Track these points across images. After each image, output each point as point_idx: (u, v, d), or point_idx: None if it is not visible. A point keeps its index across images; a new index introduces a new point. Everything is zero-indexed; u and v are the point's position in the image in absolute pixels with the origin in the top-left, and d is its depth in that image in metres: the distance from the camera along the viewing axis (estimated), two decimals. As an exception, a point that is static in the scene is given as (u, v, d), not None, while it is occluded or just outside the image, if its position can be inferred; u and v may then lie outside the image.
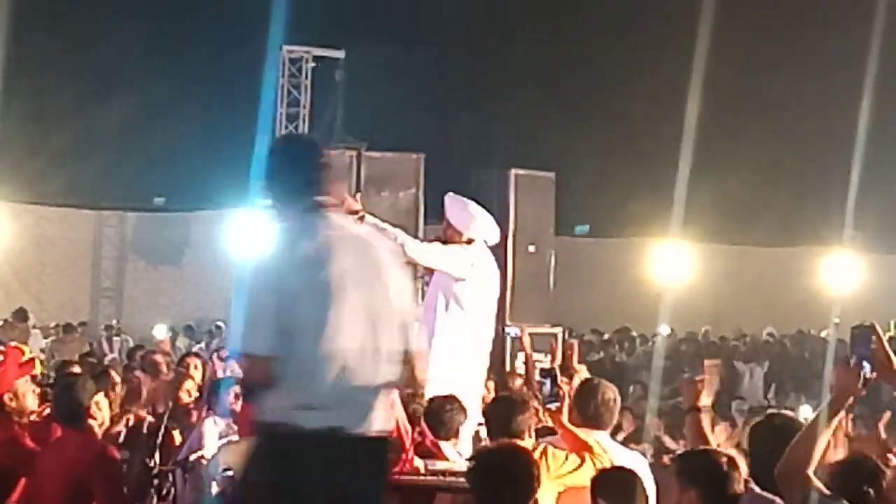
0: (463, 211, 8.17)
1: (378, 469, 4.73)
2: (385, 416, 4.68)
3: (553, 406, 6.10)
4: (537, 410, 6.72)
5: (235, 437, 7.69)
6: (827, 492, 4.09)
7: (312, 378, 4.47)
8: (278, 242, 4.76)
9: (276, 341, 4.46)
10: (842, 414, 4.05)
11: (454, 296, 8.00)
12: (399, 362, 4.65)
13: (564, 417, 6.08)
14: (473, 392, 7.87)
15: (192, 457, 7.74)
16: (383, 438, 4.71)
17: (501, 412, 6.23)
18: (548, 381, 6.17)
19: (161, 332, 20.52)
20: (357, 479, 4.55)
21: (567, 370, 7.25)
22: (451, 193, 8.33)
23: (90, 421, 6.25)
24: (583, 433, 6.03)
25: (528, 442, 6.00)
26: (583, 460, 5.81)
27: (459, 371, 7.84)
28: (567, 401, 6.17)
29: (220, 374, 10.14)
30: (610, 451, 6.11)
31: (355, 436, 4.52)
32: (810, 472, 3.93)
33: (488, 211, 8.35)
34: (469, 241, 8.07)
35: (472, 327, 8.08)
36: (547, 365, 11.59)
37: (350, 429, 4.50)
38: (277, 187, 4.86)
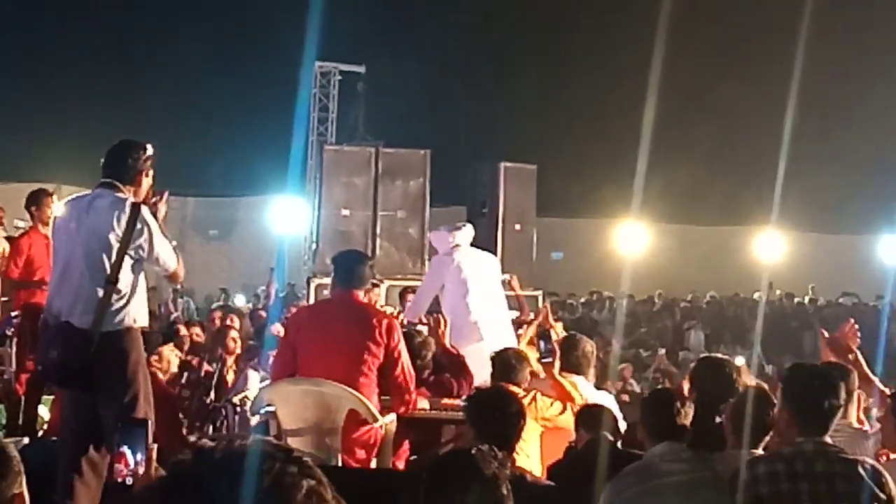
0: (442, 240, 8.13)
1: None
2: None
3: (547, 360, 6.06)
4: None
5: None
6: None
7: None
8: None
9: None
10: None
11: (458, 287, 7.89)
12: None
13: (556, 370, 6.05)
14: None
15: (239, 396, 7.77)
16: None
17: (506, 362, 6.04)
18: (542, 341, 6.14)
19: (241, 300, 20.22)
20: None
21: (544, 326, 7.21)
22: (431, 233, 8.37)
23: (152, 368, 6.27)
24: (566, 378, 6.03)
25: (521, 390, 5.95)
26: (565, 407, 5.78)
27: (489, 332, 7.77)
28: (558, 356, 6.12)
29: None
30: (585, 392, 6.10)
31: None
32: None
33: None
34: (455, 248, 8.00)
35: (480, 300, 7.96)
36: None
37: None
38: None
